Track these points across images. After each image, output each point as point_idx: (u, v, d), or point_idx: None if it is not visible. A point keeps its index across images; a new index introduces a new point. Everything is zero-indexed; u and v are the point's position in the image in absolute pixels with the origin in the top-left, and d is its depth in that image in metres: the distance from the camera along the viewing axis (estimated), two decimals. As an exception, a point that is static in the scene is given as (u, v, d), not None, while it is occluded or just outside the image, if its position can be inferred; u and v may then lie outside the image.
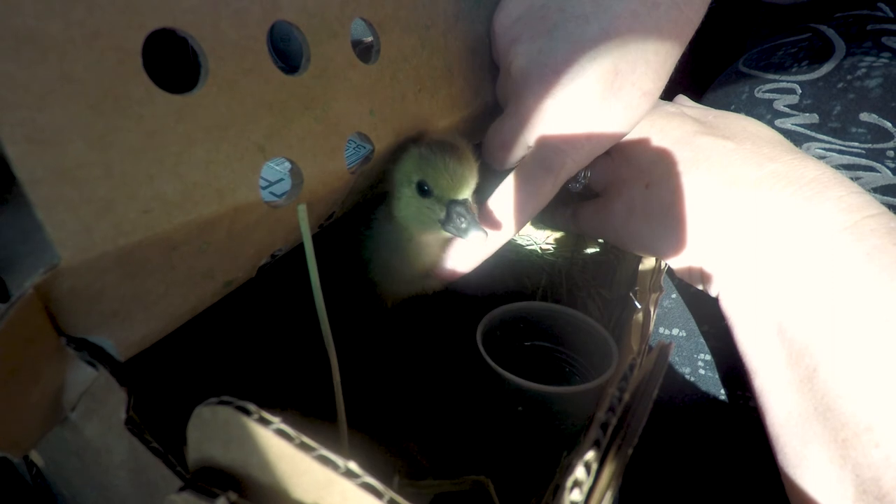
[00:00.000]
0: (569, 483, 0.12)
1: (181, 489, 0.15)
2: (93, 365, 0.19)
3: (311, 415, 0.25)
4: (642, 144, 0.33)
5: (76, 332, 0.19)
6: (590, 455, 0.13)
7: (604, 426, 0.13)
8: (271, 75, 0.21)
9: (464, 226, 0.27)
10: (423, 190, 0.28)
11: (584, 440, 0.14)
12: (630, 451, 0.14)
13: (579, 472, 0.13)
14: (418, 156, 0.28)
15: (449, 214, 0.28)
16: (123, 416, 0.19)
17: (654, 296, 0.28)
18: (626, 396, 0.14)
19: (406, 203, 0.29)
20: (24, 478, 0.35)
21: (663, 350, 0.17)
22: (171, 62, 0.21)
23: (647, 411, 0.15)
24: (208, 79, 0.19)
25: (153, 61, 0.18)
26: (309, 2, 0.22)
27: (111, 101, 0.16)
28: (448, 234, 0.29)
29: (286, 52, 0.39)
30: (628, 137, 0.33)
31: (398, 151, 0.29)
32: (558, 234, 0.54)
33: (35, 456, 0.26)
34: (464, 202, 0.28)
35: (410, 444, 0.36)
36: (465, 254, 0.33)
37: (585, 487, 0.13)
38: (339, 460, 0.13)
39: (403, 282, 0.36)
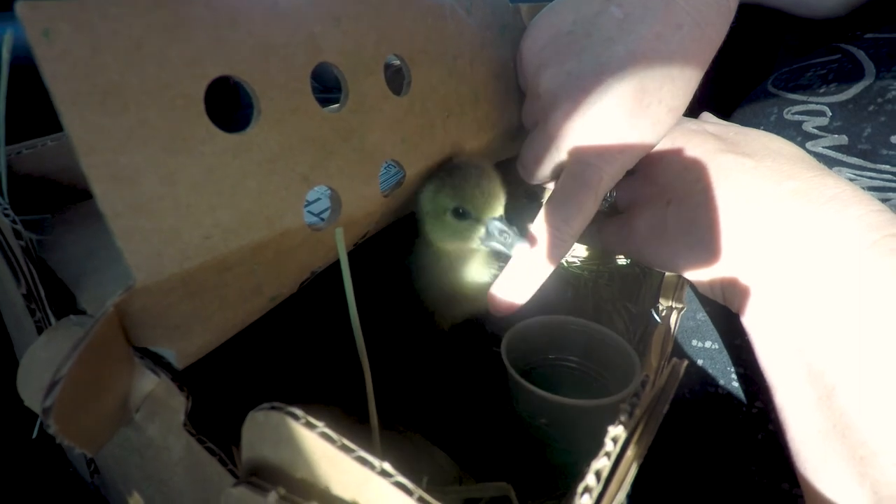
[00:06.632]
0: (579, 489, 0.14)
1: (236, 484, 0.18)
2: (155, 373, 0.22)
3: (352, 414, 0.27)
4: (663, 163, 0.34)
5: (143, 344, 0.21)
6: (601, 464, 0.15)
7: (614, 439, 0.15)
8: (315, 112, 0.23)
9: (508, 240, 0.29)
10: (458, 214, 0.30)
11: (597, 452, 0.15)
12: (639, 464, 0.15)
13: (590, 480, 0.14)
14: (451, 186, 0.30)
15: (490, 231, 0.29)
16: (182, 418, 0.21)
17: (675, 312, 0.29)
18: (638, 412, 0.16)
19: (443, 227, 0.31)
20: (84, 479, 0.38)
21: (675, 368, 0.18)
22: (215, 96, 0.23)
23: (657, 427, 0.16)
24: (260, 118, 0.21)
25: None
26: (347, 44, 0.24)
27: (179, 141, 0.19)
28: (484, 249, 0.32)
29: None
30: (650, 156, 0.34)
31: (426, 179, 0.31)
32: (584, 247, 0.55)
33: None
34: (500, 218, 0.30)
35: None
36: (520, 282, 0.31)
37: (595, 493, 0.14)
38: (376, 461, 0.15)
39: (453, 303, 0.37)
